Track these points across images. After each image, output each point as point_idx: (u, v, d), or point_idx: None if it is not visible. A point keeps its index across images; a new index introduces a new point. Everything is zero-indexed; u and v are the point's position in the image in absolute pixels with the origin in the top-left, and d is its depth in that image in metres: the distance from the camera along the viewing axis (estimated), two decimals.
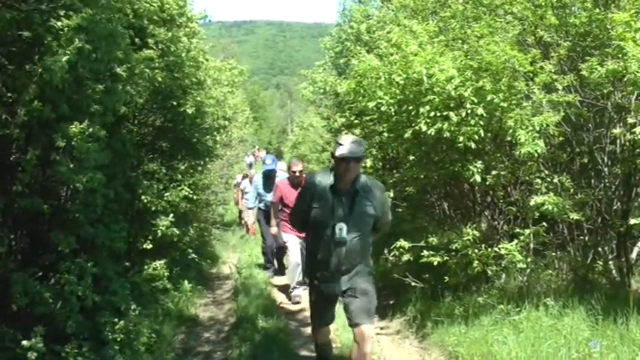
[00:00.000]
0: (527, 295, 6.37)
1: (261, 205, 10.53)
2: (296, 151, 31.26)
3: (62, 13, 4.72)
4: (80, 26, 4.66)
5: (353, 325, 4.74)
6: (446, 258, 7.01)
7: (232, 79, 12.56)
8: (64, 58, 4.51)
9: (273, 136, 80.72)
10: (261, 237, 10.98)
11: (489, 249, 6.86)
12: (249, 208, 11.10)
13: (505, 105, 6.56)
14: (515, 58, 6.59)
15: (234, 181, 19.31)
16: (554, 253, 7.40)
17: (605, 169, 6.79)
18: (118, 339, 5.50)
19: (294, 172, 8.25)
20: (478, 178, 6.74)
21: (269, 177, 10.03)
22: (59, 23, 4.63)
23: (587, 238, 7.15)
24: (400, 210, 8.56)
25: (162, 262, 7.82)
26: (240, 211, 17.45)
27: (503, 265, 6.90)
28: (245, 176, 17.54)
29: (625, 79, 5.90)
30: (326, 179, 4.63)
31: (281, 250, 9.55)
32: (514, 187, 7.58)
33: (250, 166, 20.39)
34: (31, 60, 4.73)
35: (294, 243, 8.20)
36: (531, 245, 6.89)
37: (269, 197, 9.50)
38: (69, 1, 4.74)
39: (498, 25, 7.27)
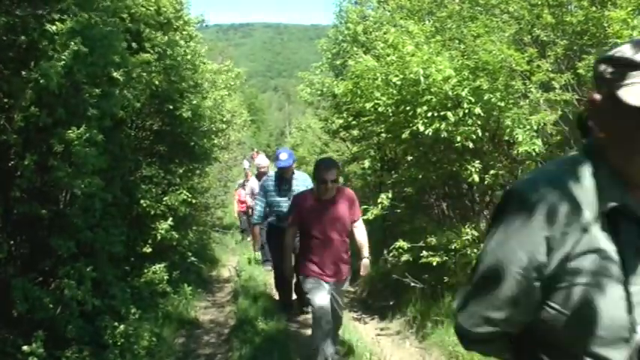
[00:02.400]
0: None
1: (273, 220, 7.64)
2: (295, 153, 31.16)
3: (57, 17, 4.72)
4: (75, 30, 4.67)
5: None
6: (445, 258, 7.00)
7: (229, 82, 12.55)
8: (60, 63, 4.52)
9: (271, 139, 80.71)
10: (272, 264, 8.18)
11: None
12: (255, 224, 8.09)
13: (502, 104, 6.56)
14: (512, 57, 6.59)
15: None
16: None
17: None
18: (119, 343, 5.52)
19: (325, 181, 5.26)
20: (476, 177, 6.74)
21: (284, 178, 7.40)
22: (54, 27, 4.63)
23: None
24: (399, 211, 8.55)
25: (161, 265, 7.82)
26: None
27: None
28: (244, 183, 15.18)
29: None
30: (584, 196, 1.44)
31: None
32: None
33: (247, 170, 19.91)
34: (27, 65, 4.74)
35: (322, 295, 5.43)
36: None
37: (284, 207, 6.98)
38: (64, 6, 4.74)
39: (495, 25, 7.27)
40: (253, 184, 11.56)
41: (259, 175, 10.55)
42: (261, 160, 11.35)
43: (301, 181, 7.39)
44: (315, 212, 5.38)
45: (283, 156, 7.37)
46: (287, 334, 7.04)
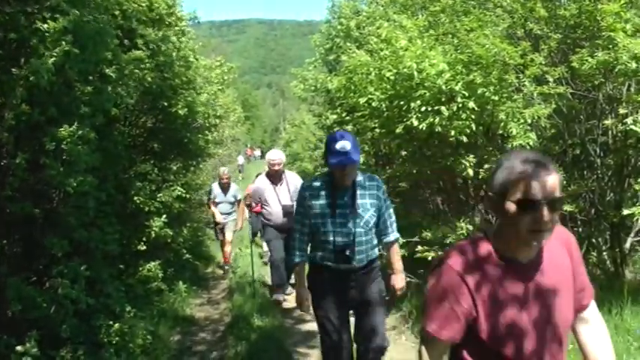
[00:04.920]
0: None
1: (317, 256, 4.30)
2: (289, 150, 31.17)
3: (48, 15, 4.69)
4: (66, 28, 4.64)
5: None
6: (440, 253, 6.99)
7: (222, 77, 12.55)
8: (51, 60, 4.49)
9: (266, 135, 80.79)
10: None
11: None
12: (296, 263, 4.38)
13: (496, 98, 6.55)
14: (505, 51, 6.58)
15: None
16: None
17: (598, 161, 6.80)
18: (114, 341, 5.50)
19: (537, 204, 1.91)
20: (471, 172, 6.74)
21: (342, 186, 4.15)
22: (45, 25, 4.61)
23: (580, 229, 7.16)
24: (394, 205, 8.54)
25: (156, 263, 7.81)
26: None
27: None
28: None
29: (616, 70, 5.90)
30: None
31: None
32: None
33: (241, 168, 19.11)
34: (18, 62, 4.70)
35: None
36: None
37: (340, 238, 4.15)
38: (54, 2, 4.71)
39: (488, 19, 7.26)
40: (263, 184, 8.15)
41: (272, 177, 7.99)
42: (275, 154, 8.23)
43: (372, 188, 4.26)
44: (510, 300, 2.05)
45: (343, 144, 3.97)
46: (283, 330, 7.03)
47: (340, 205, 4.14)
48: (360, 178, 4.22)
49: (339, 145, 3.97)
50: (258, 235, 11.24)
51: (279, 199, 7.90)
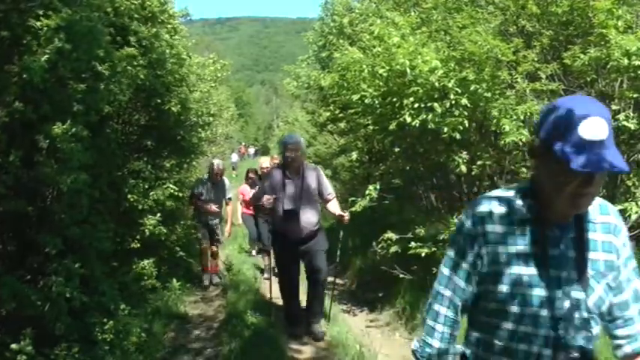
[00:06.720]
0: None
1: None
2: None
3: (41, 12, 4.68)
4: (59, 25, 4.63)
5: None
6: (434, 249, 7.00)
7: (215, 74, 12.55)
8: (44, 58, 4.49)
9: (259, 133, 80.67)
10: None
11: None
12: None
13: (489, 95, 6.57)
14: (497, 47, 6.60)
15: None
16: None
17: None
18: (108, 339, 5.49)
19: None
20: (464, 168, 6.76)
21: (568, 214, 1.88)
22: (38, 23, 4.60)
23: None
24: (387, 202, 8.56)
25: (150, 260, 7.80)
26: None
27: None
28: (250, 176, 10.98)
29: (608, 67, 5.93)
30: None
31: None
32: (500, 176, 7.60)
33: (235, 165, 18.97)
34: (11, 60, 4.69)
35: None
36: None
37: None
38: (47, 0, 4.71)
39: (480, 16, 7.27)
40: (276, 177, 6.57)
41: (288, 169, 6.51)
42: (292, 137, 6.82)
43: (606, 229, 2.00)
44: None
45: (596, 126, 1.75)
46: (276, 327, 7.04)
47: (555, 260, 1.88)
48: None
49: (586, 129, 1.75)
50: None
51: (296, 198, 6.45)
